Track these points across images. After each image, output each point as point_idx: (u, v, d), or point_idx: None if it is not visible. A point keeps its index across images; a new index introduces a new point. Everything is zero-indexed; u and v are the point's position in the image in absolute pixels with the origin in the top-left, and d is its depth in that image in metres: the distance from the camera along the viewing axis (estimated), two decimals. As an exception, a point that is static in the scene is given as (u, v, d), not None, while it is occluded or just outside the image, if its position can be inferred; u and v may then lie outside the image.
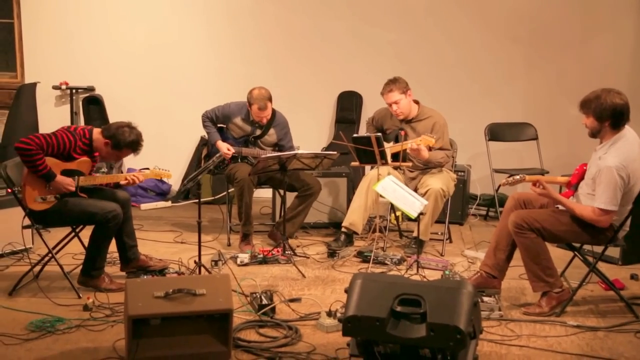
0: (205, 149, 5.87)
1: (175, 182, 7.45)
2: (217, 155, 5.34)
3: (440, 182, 5.29)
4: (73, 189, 4.42)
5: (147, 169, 7.29)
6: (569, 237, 4.22)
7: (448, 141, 5.54)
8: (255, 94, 5.52)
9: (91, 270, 4.49)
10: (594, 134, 4.12)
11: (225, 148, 5.58)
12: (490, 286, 4.37)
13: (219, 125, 5.75)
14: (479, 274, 4.47)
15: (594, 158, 4.14)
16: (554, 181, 4.48)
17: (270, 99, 5.53)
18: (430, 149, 5.23)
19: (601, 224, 4.03)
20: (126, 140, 4.48)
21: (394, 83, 5.39)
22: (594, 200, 4.00)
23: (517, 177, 4.23)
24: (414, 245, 5.31)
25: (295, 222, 5.55)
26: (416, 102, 5.53)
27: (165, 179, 7.25)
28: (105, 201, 4.51)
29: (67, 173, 4.41)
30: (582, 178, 4.24)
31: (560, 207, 4.27)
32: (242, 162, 5.65)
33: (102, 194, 4.63)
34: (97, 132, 4.55)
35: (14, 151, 4.38)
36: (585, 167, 4.24)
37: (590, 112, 4.03)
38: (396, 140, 5.44)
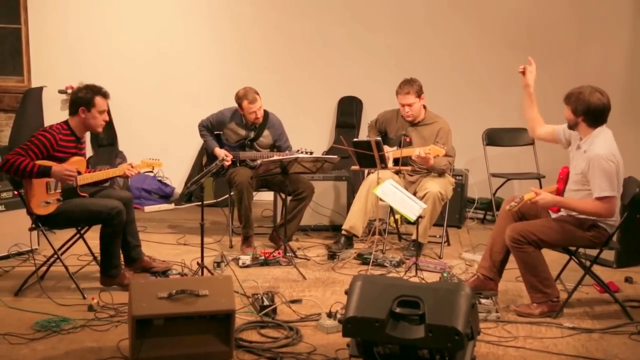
0: (205, 157, 5.94)
1: (178, 185, 7.51)
2: (219, 159, 5.41)
3: (438, 186, 5.35)
4: (74, 173, 4.39)
5: (151, 171, 7.41)
6: (565, 243, 4.27)
7: (451, 148, 5.61)
8: (242, 92, 5.61)
9: (110, 270, 4.53)
10: (570, 126, 4.22)
11: (223, 154, 5.63)
12: (487, 288, 4.42)
13: (215, 132, 5.83)
14: (475, 276, 4.53)
15: (578, 153, 4.19)
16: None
17: (257, 93, 5.61)
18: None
19: (606, 213, 4.04)
20: (89, 93, 4.51)
21: (411, 85, 5.47)
22: (592, 192, 4.04)
23: (517, 199, 4.23)
24: (412, 248, 5.37)
25: (291, 225, 5.58)
26: (423, 106, 5.61)
27: (162, 179, 7.39)
28: (107, 199, 4.56)
29: None
30: (568, 181, 4.30)
31: (553, 214, 4.32)
32: (241, 166, 5.72)
33: (105, 193, 4.68)
34: (70, 118, 4.56)
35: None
36: (567, 170, 4.30)
37: (570, 104, 4.15)
38: (399, 146, 5.50)
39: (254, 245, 5.55)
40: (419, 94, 5.50)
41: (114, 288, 4.51)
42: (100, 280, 4.56)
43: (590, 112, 4.07)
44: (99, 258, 4.67)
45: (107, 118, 4.63)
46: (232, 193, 5.75)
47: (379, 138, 5.30)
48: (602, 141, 4.08)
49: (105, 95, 4.58)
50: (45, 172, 4.31)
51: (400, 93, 5.52)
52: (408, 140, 5.47)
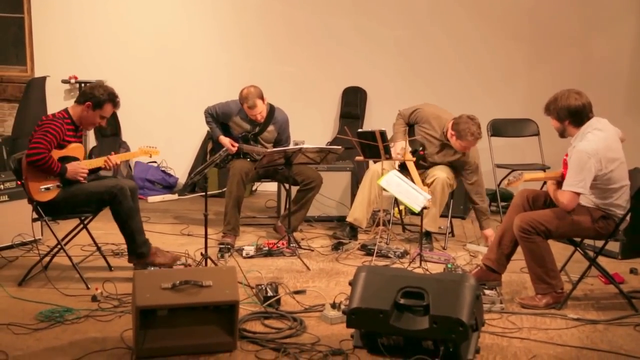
0: (210, 142, 5.93)
1: (182, 176, 7.51)
2: (224, 149, 5.39)
3: (445, 173, 5.36)
4: (86, 173, 4.48)
5: (155, 162, 7.43)
6: (573, 234, 4.28)
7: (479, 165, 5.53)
8: (244, 94, 5.56)
9: (137, 249, 4.56)
10: (561, 134, 4.27)
11: (228, 143, 5.62)
12: (491, 279, 4.42)
13: (220, 122, 5.81)
14: (479, 267, 4.53)
15: (570, 151, 4.19)
16: (550, 177, 4.50)
17: (259, 97, 5.54)
18: None
19: (566, 207, 4.09)
20: (104, 95, 4.54)
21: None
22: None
23: (517, 174, 4.30)
24: (426, 244, 5.27)
25: (298, 215, 5.59)
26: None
27: (165, 169, 7.40)
28: (105, 179, 4.61)
29: (62, 160, 4.47)
30: None
31: None
32: (244, 157, 5.69)
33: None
34: (72, 106, 4.61)
35: (23, 143, 4.44)
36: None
37: (552, 114, 4.20)
38: (414, 149, 5.30)
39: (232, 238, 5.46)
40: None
41: (119, 278, 4.47)
42: (129, 259, 4.60)
43: (573, 113, 4.13)
44: (102, 248, 4.70)
45: (103, 124, 4.71)
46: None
47: (384, 129, 5.21)
48: (590, 137, 4.09)
49: (116, 105, 4.64)
50: (62, 175, 4.41)
51: (471, 142, 5.27)
52: (422, 153, 5.38)
